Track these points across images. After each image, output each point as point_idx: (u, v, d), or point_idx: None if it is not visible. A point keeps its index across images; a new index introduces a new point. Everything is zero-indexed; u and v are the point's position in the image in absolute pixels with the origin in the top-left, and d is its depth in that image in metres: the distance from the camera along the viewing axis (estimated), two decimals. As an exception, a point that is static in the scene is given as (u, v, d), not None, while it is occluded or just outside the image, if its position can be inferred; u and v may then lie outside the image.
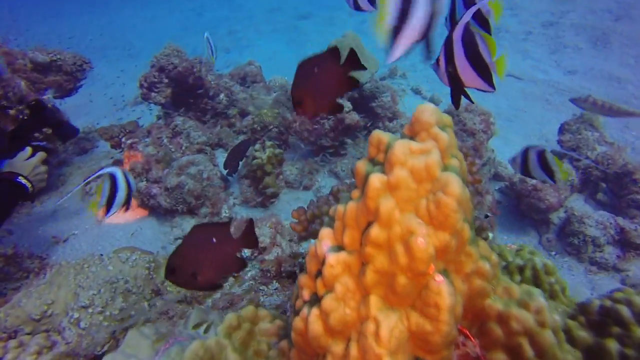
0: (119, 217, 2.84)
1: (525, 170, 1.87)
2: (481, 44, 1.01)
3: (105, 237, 2.68)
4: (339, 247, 0.71)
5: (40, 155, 2.09)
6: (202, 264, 1.00)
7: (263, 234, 2.01)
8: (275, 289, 1.93)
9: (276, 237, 2.03)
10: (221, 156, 3.29)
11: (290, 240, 2.17)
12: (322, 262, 0.71)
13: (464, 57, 1.04)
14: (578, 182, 2.49)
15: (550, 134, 3.22)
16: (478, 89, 1.09)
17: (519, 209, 2.52)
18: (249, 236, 1.10)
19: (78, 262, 2.01)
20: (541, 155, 1.84)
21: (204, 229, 1.05)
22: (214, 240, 1.00)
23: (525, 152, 1.89)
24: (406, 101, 3.76)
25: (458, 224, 0.57)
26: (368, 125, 3.11)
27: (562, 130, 2.79)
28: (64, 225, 2.84)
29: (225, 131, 3.41)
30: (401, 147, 0.60)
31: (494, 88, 1.09)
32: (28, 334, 1.72)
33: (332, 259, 0.67)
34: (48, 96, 2.96)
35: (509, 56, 4.73)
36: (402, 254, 0.59)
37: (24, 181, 1.93)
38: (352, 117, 2.91)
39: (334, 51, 1.07)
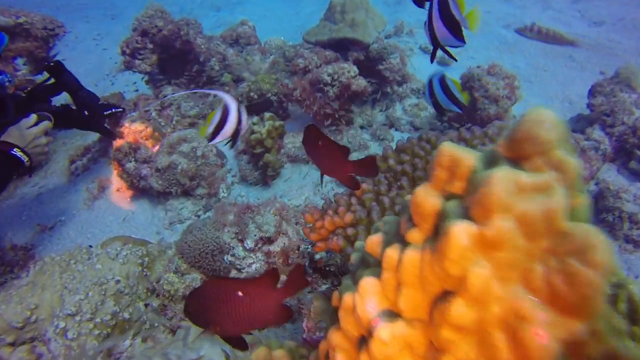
0: (112, 198, 2.62)
1: (435, 103, 1.92)
2: (452, 3, 1.18)
3: (94, 223, 2.47)
4: (392, 312, 0.49)
5: (44, 125, 1.84)
6: (222, 317, 0.78)
7: (267, 222, 1.80)
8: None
9: (282, 224, 1.83)
10: (216, 129, 3.02)
11: (297, 224, 1.96)
12: (368, 330, 0.50)
13: (439, 17, 1.23)
14: (611, 150, 2.26)
15: (575, 96, 2.94)
16: (451, 46, 1.30)
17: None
18: (297, 282, 0.88)
19: (63, 257, 1.81)
20: (442, 80, 1.86)
21: (230, 283, 0.83)
22: (241, 294, 0.80)
23: (429, 82, 1.90)
24: (415, 62, 3.44)
25: (601, 309, 0.36)
26: (377, 93, 2.83)
27: (592, 92, 2.52)
28: (49, 209, 2.62)
29: (219, 101, 3.11)
30: (504, 183, 0.37)
31: (464, 42, 1.28)
32: (10, 344, 1.54)
33: (385, 332, 0.46)
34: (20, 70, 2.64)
35: (528, 7, 4.36)
36: (504, 348, 0.38)
37: (19, 154, 1.69)
38: (359, 82, 2.62)
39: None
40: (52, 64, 2.22)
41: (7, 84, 1.83)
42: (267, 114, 2.54)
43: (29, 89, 2.17)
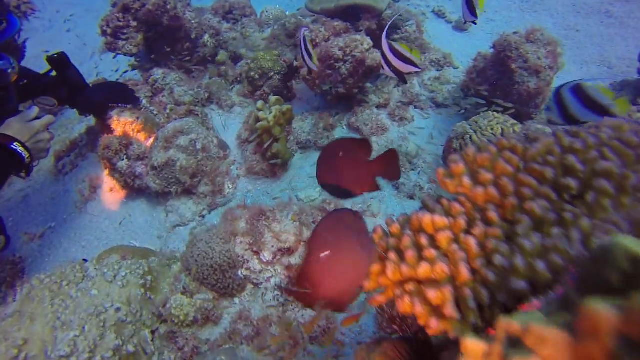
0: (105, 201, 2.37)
1: (566, 116, 1.47)
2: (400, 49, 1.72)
3: (88, 229, 2.22)
4: None
5: (48, 118, 1.64)
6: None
7: (285, 229, 1.56)
8: (308, 300, 1.51)
9: (302, 231, 1.58)
10: (216, 116, 2.72)
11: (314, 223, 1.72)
12: None
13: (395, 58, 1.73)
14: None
15: (615, 58, 2.63)
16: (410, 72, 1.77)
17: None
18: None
19: (53, 278, 1.58)
20: (578, 90, 1.44)
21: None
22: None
23: (557, 94, 1.48)
24: (429, 28, 3.10)
25: None
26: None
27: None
28: (37, 215, 2.37)
29: (217, 82, 2.80)
30: None
31: (420, 68, 1.78)
32: (-2, 391, 1.33)
33: None
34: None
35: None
36: None
37: (20, 149, 1.49)
38: (374, 56, 2.31)
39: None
40: (55, 55, 1.96)
41: (10, 70, 1.58)
42: (273, 97, 2.25)
43: (25, 81, 1.95)
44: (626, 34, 2.78)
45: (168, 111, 2.47)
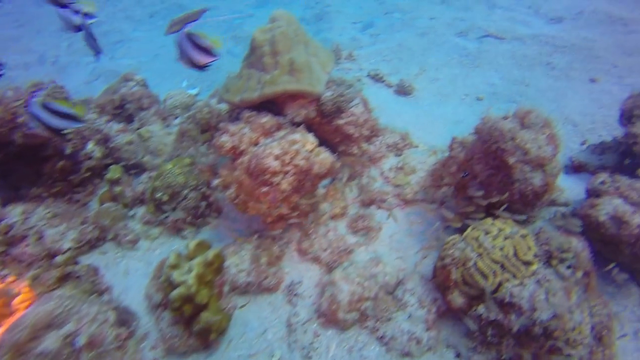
0: None
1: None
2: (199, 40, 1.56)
3: None
4: None
5: None
6: None
7: None
8: None
9: None
10: (113, 261, 1.92)
11: None
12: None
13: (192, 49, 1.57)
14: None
15: (576, 114, 2.33)
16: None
17: (609, 258, 1.61)
18: None
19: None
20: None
21: None
22: None
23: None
24: (370, 96, 2.63)
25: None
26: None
27: (626, 116, 1.90)
28: None
29: (110, 211, 2.03)
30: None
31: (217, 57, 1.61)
32: None
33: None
34: None
35: (473, 8, 3.77)
36: None
37: None
38: (322, 159, 1.74)
39: None
40: None
41: None
42: (192, 244, 1.55)
43: None
44: (576, 87, 2.54)
45: (32, 278, 1.65)
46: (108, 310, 1.54)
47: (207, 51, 1.57)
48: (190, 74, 3.85)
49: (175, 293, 1.44)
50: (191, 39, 1.56)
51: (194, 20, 1.90)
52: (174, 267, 1.50)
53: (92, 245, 1.92)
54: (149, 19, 5.27)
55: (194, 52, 1.57)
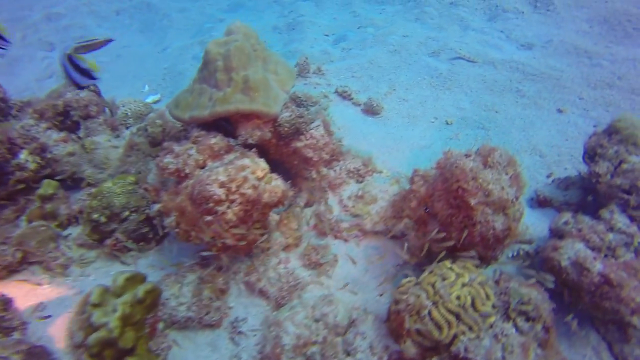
0: None
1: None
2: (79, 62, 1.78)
3: None
4: None
5: None
6: None
7: None
8: None
9: None
10: (36, 289, 1.71)
11: None
12: None
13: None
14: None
15: (543, 145, 2.29)
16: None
17: (572, 307, 1.54)
18: None
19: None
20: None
21: None
22: None
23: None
24: (336, 115, 2.52)
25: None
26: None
27: (589, 153, 1.87)
28: None
29: (38, 229, 1.82)
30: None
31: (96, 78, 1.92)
32: None
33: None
34: None
35: (446, 28, 3.73)
36: None
37: None
38: (274, 187, 1.60)
39: None
40: None
41: None
42: (121, 278, 1.39)
43: None
44: (544, 117, 2.51)
45: None
46: (11, 354, 1.35)
47: (86, 73, 1.73)
48: (152, 79, 3.65)
49: (94, 337, 1.27)
50: (72, 61, 1.70)
51: (96, 49, 1.92)
52: (96, 305, 1.33)
53: (11, 270, 1.71)
54: (115, 16, 5.02)
55: (75, 73, 1.71)
